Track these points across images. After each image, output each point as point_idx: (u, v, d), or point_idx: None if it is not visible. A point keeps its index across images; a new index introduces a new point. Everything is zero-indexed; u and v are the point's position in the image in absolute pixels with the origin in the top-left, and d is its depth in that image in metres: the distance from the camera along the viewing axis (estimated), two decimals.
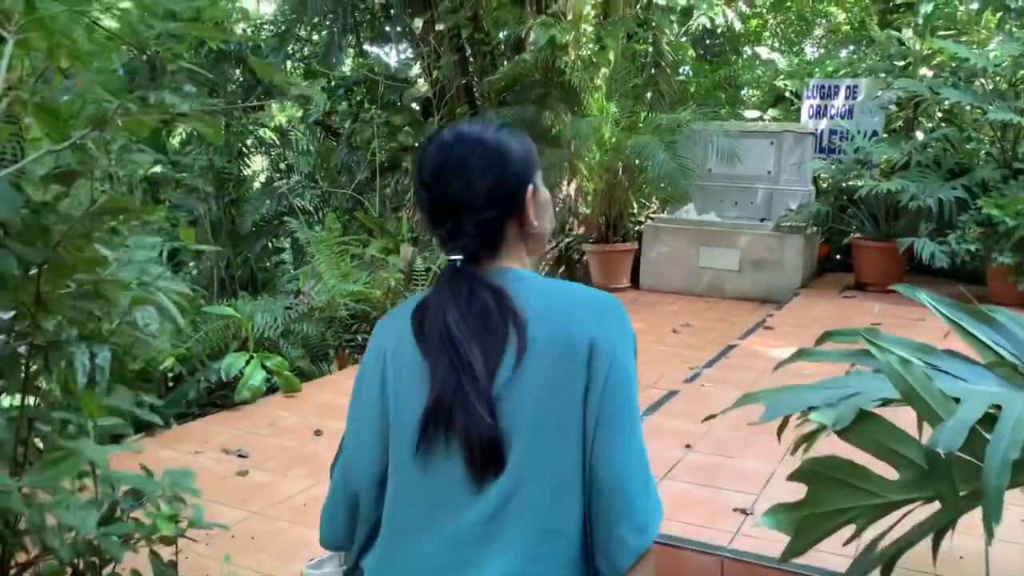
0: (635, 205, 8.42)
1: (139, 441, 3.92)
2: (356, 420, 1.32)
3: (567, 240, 8.29)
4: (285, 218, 9.80)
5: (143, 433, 4.00)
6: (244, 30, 13.29)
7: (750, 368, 4.96)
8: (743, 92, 14.60)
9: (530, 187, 1.25)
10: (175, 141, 13.27)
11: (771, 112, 9.80)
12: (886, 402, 1.42)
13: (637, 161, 7.23)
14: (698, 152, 7.84)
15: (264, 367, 4.61)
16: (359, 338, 5.60)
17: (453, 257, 1.21)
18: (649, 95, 8.54)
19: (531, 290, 1.20)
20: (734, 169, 7.70)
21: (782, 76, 10.07)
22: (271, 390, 4.68)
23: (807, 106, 8.74)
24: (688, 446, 3.63)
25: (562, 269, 8.34)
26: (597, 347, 1.15)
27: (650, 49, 8.67)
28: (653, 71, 8.40)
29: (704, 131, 7.68)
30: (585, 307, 1.20)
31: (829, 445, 1.50)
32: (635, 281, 8.06)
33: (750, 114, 9.45)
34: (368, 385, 1.28)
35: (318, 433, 4.05)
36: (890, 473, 1.38)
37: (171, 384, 4.33)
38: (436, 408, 1.15)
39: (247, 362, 4.57)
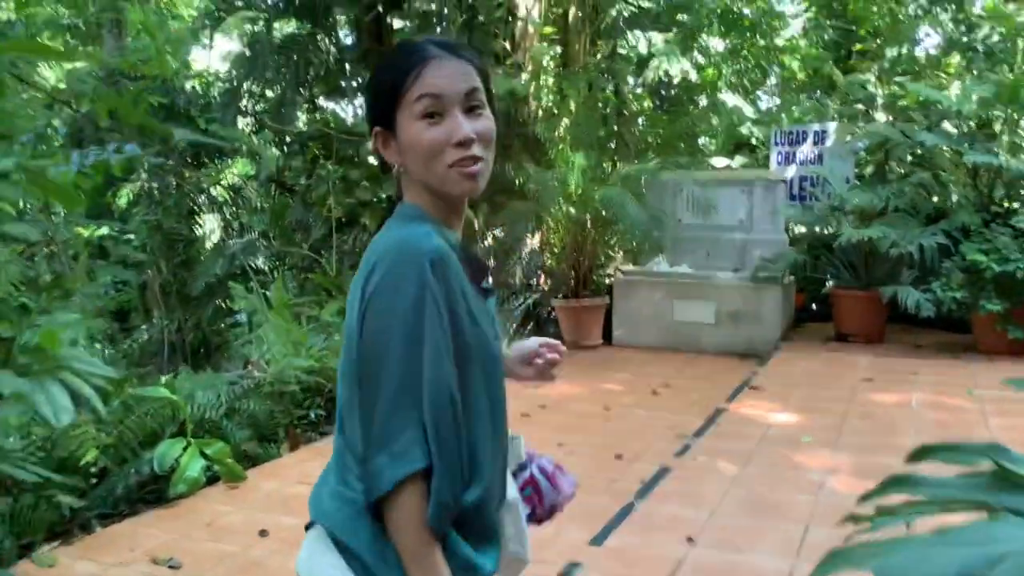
0: (603, 258, 8.07)
1: (52, 551, 3.37)
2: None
3: (534, 296, 7.89)
4: (230, 282, 9.29)
5: (58, 540, 3.45)
6: (193, 87, 12.89)
7: (744, 436, 4.55)
8: (701, 141, 14.53)
9: (375, 131, 1.25)
10: (122, 201, 12.73)
11: (737, 160, 9.59)
12: None
13: (606, 213, 6.89)
14: (667, 202, 7.54)
15: (203, 455, 4.08)
16: (312, 414, 5.09)
17: None
18: (613, 145, 8.28)
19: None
20: (706, 219, 7.41)
21: (748, 123, 9.89)
22: (212, 480, 4.15)
23: (775, 153, 8.53)
24: (691, 539, 3.19)
25: (530, 326, 7.92)
26: (366, 297, 1.16)
27: (612, 99, 8.42)
28: (616, 121, 8.14)
29: (673, 181, 7.39)
30: (371, 252, 1.19)
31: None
32: (607, 337, 7.67)
33: (718, 162, 9.21)
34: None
35: (263, 534, 3.53)
36: None
37: (96, 479, 3.79)
38: None
39: (184, 450, 4.04)
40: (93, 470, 3.76)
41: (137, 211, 12.73)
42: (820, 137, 8.34)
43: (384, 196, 10.49)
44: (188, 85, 12.70)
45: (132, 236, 12.91)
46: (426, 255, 1.14)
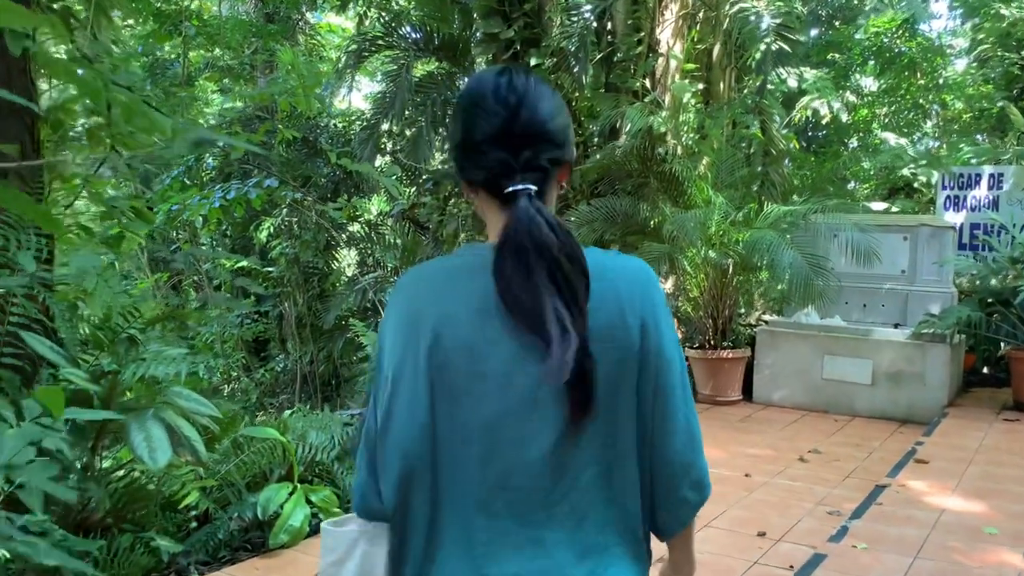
0: (743, 306, 7.48)
1: None
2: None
3: None
4: (351, 319, 9.26)
5: None
6: (335, 124, 13.23)
7: (912, 522, 3.91)
8: (850, 184, 13.61)
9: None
10: (262, 235, 13.14)
11: (896, 205, 8.78)
12: None
13: (752, 258, 6.34)
14: (819, 248, 6.89)
15: (309, 501, 3.85)
16: None
17: (522, 186, 1.13)
18: (756, 186, 7.72)
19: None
20: (862, 267, 6.71)
21: (910, 165, 9.08)
22: (317, 529, 3.90)
23: (942, 197, 7.73)
24: None
25: None
26: (647, 328, 1.14)
27: (759, 137, 7.87)
28: (763, 160, 7.59)
29: (826, 225, 6.75)
30: (633, 281, 1.17)
31: None
32: (747, 393, 7.06)
33: (876, 206, 8.44)
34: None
35: None
36: None
37: (197, 522, 3.62)
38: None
39: (290, 495, 3.82)
40: (195, 512, 3.59)
41: (276, 244, 13.12)
42: (996, 181, 7.49)
43: None
44: (332, 123, 13.05)
45: (271, 269, 13.31)
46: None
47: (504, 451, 1.13)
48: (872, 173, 13.82)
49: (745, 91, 8.79)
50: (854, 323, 6.89)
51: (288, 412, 9.55)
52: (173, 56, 13.07)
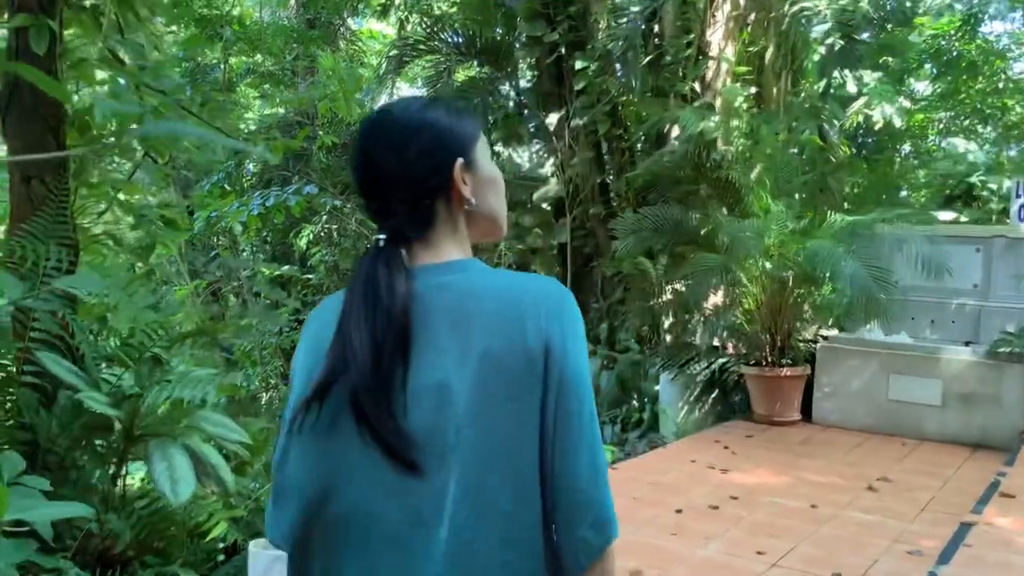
0: (801, 321, 7.09)
1: None
2: None
3: (720, 361, 7.02)
4: None
5: None
6: None
7: (1011, 570, 3.53)
8: (903, 193, 13.07)
9: (458, 160, 1.17)
10: (302, 242, 13.01)
11: (965, 215, 8.31)
12: None
13: (811, 270, 5.97)
14: (882, 260, 6.48)
15: None
16: None
17: (377, 237, 1.16)
18: (808, 195, 7.33)
19: (479, 289, 1.14)
20: (931, 281, 6.28)
21: (979, 172, 8.60)
22: None
23: (1016, 205, 7.27)
24: None
25: (714, 394, 7.06)
26: (551, 349, 1.10)
27: (817, 142, 7.49)
28: (821, 168, 7.19)
29: (891, 236, 6.34)
30: (538, 303, 1.12)
31: None
32: (806, 413, 6.67)
33: (942, 215, 7.99)
34: None
35: None
36: None
37: (224, 555, 3.38)
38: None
39: None
40: (223, 544, 3.35)
41: (316, 251, 12.98)
42: None
43: (555, 244, 10.03)
44: None
45: (311, 276, 13.16)
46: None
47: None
48: (927, 181, 13.28)
49: (802, 95, 8.41)
50: (922, 341, 6.48)
51: None
52: (214, 62, 13.01)
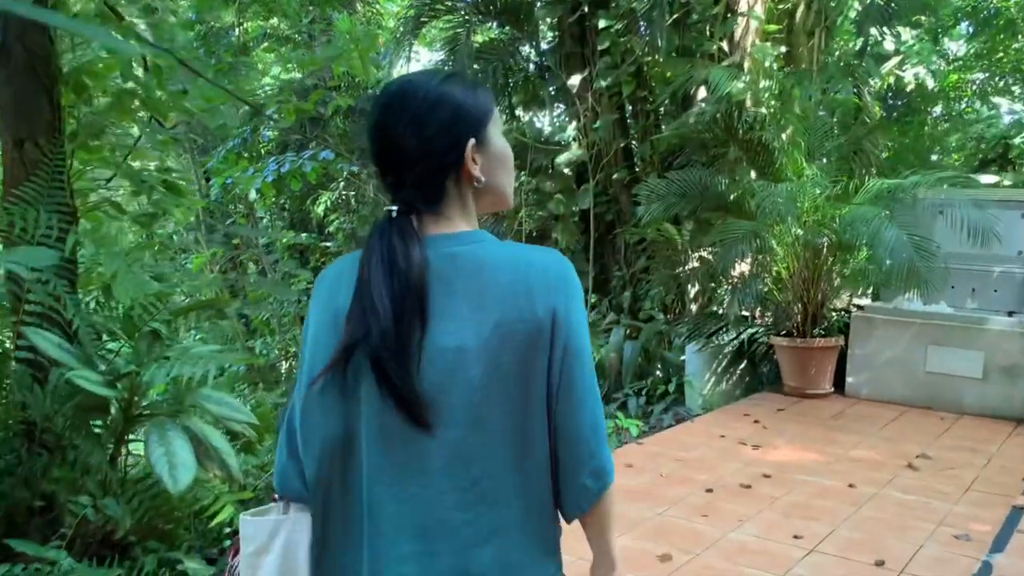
0: (835, 290, 6.81)
1: None
2: None
3: (749, 331, 6.77)
4: None
5: None
6: None
7: None
8: (933, 156, 12.63)
9: (471, 140, 1.22)
10: (319, 209, 12.82)
11: (1007, 178, 7.94)
12: None
13: (847, 237, 5.69)
14: (921, 226, 6.18)
15: None
16: None
17: (389, 208, 1.21)
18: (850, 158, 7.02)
19: (490, 260, 1.21)
20: (972, 248, 5.96)
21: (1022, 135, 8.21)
22: None
23: None
24: None
25: (742, 365, 6.82)
26: (557, 319, 1.19)
27: (855, 102, 7.15)
28: (856, 130, 6.85)
29: (929, 200, 6.03)
30: (545, 275, 1.21)
31: None
32: (839, 385, 6.43)
33: (984, 179, 7.62)
34: None
35: None
36: None
37: (230, 540, 3.22)
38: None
39: None
40: (229, 530, 3.19)
41: (334, 218, 12.79)
42: None
43: (576, 209, 9.75)
44: None
45: (329, 244, 12.98)
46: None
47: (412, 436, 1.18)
48: (959, 144, 12.81)
49: (836, 53, 8.05)
50: (962, 310, 6.18)
51: None
52: (229, 25, 12.73)
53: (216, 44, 11.59)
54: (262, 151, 11.82)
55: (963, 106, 13.84)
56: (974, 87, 13.92)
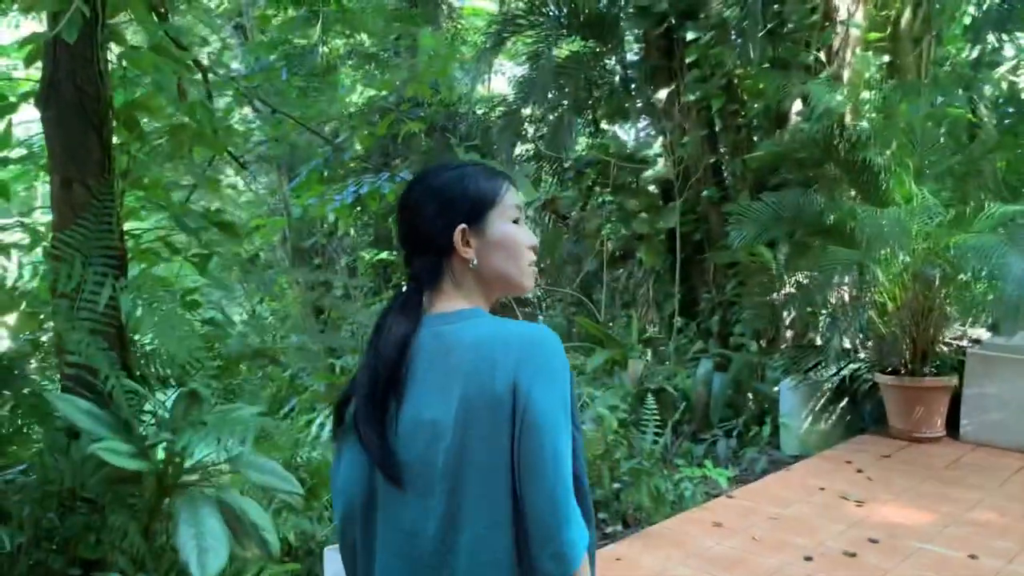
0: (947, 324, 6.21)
1: None
2: None
3: (852, 366, 6.24)
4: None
5: None
6: (475, 112, 12.61)
7: None
8: None
9: (459, 228, 1.34)
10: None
11: None
12: None
13: (966, 267, 5.14)
14: None
15: None
16: None
17: (402, 282, 1.60)
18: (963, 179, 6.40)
19: (464, 340, 1.29)
20: None
21: None
22: None
23: None
24: None
25: (843, 403, 6.28)
26: (518, 394, 1.23)
27: (972, 118, 6.54)
28: (975, 147, 6.24)
29: None
30: (508, 352, 1.26)
31: None
32: (951, 429, 5.84)
33: None
34: None
35: None
36: None
37: None
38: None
39: None
40: None
41: None
42: None
43: (662, 229, 9.32)
44: (472, 111, 12.43)
45: None
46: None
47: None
48: None
49: (947, 63, 7.42)
50: None
51: None
52: (313, 45, 12.81)
53: (300, 65, 11.65)
54: (344, 171, 11.80)
55: None
56: None
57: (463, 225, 1.34)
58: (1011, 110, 13.49)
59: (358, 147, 10.62)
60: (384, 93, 11.88)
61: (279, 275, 11.27)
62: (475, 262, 1.34)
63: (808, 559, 3.79)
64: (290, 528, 2.93)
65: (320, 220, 13.07)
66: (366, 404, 1.27)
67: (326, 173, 11.06)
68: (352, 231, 13.87)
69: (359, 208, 10.10)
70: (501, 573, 1.25)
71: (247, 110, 10.65)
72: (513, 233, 1.38)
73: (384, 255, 12.78)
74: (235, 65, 11.13)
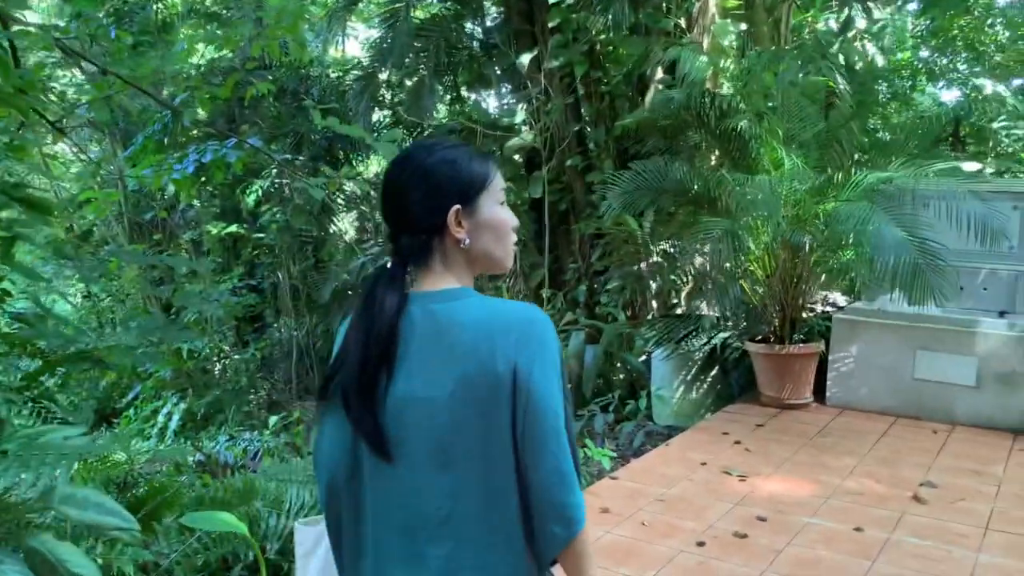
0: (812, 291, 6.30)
1: None
2: None
3: (723, 335, 6.23)
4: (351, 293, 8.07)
5: None
6: (328, 75, 11.91)
7: None
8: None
9: (454, 208, 1.36)
10: (250, 199, 11.90)
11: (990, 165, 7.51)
12: None
13: (842, 237, 5.16)
14: (910, 221, 5.67)
15: None
16: None
17: (385, 259, 1.39)
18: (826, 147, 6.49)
19: (460, 319, 1.32)
20: (957, 244, 5.46)
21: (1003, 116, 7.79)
22: None
23: None
24: None
25: (714, 371, 6.28)
26: (518, 375, 1.28)
27: (833, 86, 6.62)
28: (836, 114, 6.31)
29: (918, 193, 5.51)
30: (508, 332, 1.30)
31: None
32: (819, 394, 5.94)
33: (966, 166, 7.16)
34: None
35: None
36: None
37: None
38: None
39: None
40: None
41: (266, 209, 11.86)
42: None
43: (528, 198, 9.10)
44: (325, 74, 11.73)
45: (262, 236, 12.06)
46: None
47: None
48: (913, 126, 12.47)
49: (806, 32, 7.52)
50: (950, 311, 5.72)
51: (273, 419, 8.41)
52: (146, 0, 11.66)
53: (130, 22, 10.56)
54: (182, 139, 10.84)
55: (909, 85, 13.51)
56: (919, 65, 13.61)
57: (457, 206, 1.36)
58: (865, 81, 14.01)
59: (200, 112, 9.73)
60: (227, 52, 10.98)
61: (113, 257, 10.27)
62: (467, 242, 1.37)
63: (700, 544, 3.65)
64: (127, 561, 2.47)
65: (159, 191, 12.02)
66: (358, 378, 1.29)
67: (166, 140, 10.11)
68: (196, 203, 12.84)
69: (203, 179, 9.30)
70: (509, 539, 1.31)
71: (77, 72, 9.60)
72: (502, 215, 1.42)
73: (233, 228, 11.92)
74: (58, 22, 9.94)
